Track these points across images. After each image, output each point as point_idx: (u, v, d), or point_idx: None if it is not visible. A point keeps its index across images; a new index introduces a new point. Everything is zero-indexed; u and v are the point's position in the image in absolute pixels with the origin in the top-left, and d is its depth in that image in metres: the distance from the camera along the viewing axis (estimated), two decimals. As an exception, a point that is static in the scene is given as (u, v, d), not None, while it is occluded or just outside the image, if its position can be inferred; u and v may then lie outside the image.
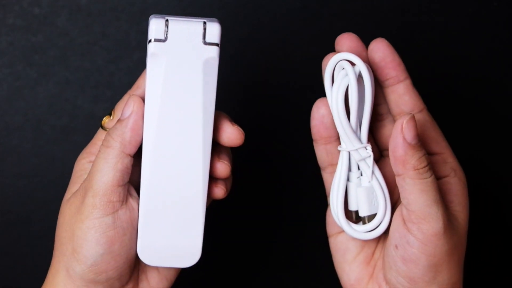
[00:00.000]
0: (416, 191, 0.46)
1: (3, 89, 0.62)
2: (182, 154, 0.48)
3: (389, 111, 0.51)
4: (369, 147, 0.48)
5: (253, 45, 0.64)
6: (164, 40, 0.46)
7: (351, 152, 0.48)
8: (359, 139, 0.48)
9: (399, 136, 0.46)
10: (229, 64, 0.64)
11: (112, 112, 0.51)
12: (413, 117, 0.46)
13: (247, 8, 0.63)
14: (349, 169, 0.49)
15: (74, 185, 0.51)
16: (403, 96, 0.49)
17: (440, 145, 0.50)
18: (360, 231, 0.49)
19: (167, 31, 0.46)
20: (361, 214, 0.49)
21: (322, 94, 0.65)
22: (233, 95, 0.64)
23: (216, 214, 0.63)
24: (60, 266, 0.49)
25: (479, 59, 0.65)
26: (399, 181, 0.47)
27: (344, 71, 0.47)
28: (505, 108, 0.66)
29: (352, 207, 0.50)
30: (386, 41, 0.49)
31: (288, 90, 0.64)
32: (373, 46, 0.49)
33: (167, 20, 0.46)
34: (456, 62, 0.65)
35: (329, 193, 0.51)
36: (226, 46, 0.63)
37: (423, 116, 0.50)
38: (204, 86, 0.47)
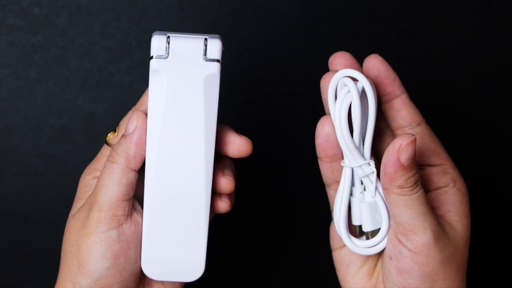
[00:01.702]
0: (401, 206, 0.46)
1: (3, 89, 0.62)
2: (185, 169, 0.49)
3: (388, 126, 0.51)
4: (372, 163, 0.48)
5: (253, 45, 0.64)
6: (166, 57, 0.47)
7: (354, 169, 0.48)
8: (362, 155, 0.48)
9: (394, 155, 0.46)
10: (229, 65, 0.64)
11: (117, 128, 0.51)
12: (414, 140, 0.45)
13: (247, 8, 0.63)
14: (352, 184, 0.49)
15: (79, 201, 0.51)
16: (400, 111, 0.49)
17: (440, 157, 0.50)
18: (361, 246, 0.49)
19: (168, 47, 0.47)
20: (364, 229, 0.49)
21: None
22: (232, 98, 0.64)
23: (219, 227, 0.63)
24: (66, 281, 0.49)
25: (479, 59, 0.65)
26: (385, 194, 0.47)
27: (347, 88, 0.46)
28: (504, 110, 0.66)
29: (356, 221, 0.50)
30: (380, 57, 0.49)
31: (289, 93, 0.64)
32: (367, 63, 0.49)
33: (168, 37, 0.47)
34: (455, 63, 0.65)
35: (333, 208, 0.51)
36: (226, 47, 0.63)
37: (421, 130, 0.50)
38: (206, 102, 0.48)
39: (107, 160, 0.49)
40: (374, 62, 0.48)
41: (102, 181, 0.48)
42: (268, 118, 0.65)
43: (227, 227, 0.65)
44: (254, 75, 0.64)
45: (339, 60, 0.49)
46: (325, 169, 0.50)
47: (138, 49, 0.63)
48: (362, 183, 0.49)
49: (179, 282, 0.52)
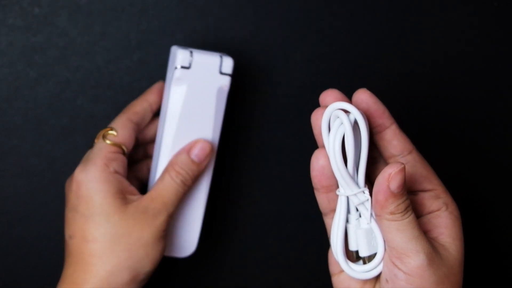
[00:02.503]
0: (393, 231, 0.48)
1: (3, 89, 0.62)
2: None
3: (381, 155, 0.52)
4: (366, 191, 0.49)
5: (253, 45, 0.64)
6: (188, 68, 0.56)
7: (349, 197, 0.49)
8: (357, 183, 0.49)
9: (384, 183, 0.47)
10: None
11: (116, 129, 0.57)
12: (403, 169, 0.47)
13: (247, 8, 0.63)
14: (348, 211, 0.50)
15: (75, 208, 0.56)
16: (391, 141, 0.51)
17: (432, 183, 0.51)
18: (359, 270, 0.50)
19: (191, 60, 0.56)
20: (361, 254, 0.50)
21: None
22: (232, 98, 0.64)
23: (217, 230, 0.63)
24: (122, 269, 0.54)
25: (479, 59, 0.65)
26: (377, 220, 0.49)
27: (340, 120, 0.48)
28: (504, 110, 0.66)
29: (352, 247, 0.51)
30: (368, 92, 0.50)
31: (289, 93, 0.64)
32: (356, 97, 0.50)
33: (191, 52, 0.56)
34: (455, 62, 0.65)
35: (330, 235, 0.52)
36: (226, 46, 0.63)
37: (413, 157, 0.51)
38: (217, 106, 0.57)
39: (183, 179, 0.57)
40: (363, 97, 0.50)
41: (177, 195, 0.57)
42: (267, 118, 0.65)
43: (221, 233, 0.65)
44: (253, 75, 0.64)
45: (329, 98, 0.50)
46: (322, 199, 0.51)
47: (138, 49, 0.63)
48: (357, 210, 0.50)
49: (174, 256, 0.61)
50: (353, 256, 0.51)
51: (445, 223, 0.50)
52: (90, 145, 0.58)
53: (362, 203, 0.49)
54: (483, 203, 0.67)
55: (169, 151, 0.58)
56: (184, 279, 0.66)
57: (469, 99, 0.66)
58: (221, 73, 0.57)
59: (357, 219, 0.50)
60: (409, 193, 0.51)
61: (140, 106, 0.59)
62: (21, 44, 0.62)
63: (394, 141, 0.50)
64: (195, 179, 0.58)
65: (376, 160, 0.53)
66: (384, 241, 0.49)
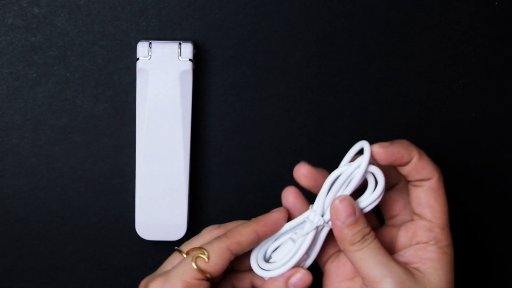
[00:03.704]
0: (358, 261, 0.51)
1: (3, 89, 0.62)
2: (168, 150, 0.60)
3: (396, 183, 0.55)
4: (322, 219, 0.52)
5: (253, 45, 0.64)
6: (149, 58, 0.60)
7: (312, 212, 0.53)
8: (323, 209, 0.52)
9: (334, 218, 0.51)
10: (229, 65, 0.64)
11: (207, 255, 0.51)
12: (343, 199, 0.51)
13: (247, 8, 0.63)
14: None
15: None
16: (412, 172, 0.52)
17: (434, 214, 0.52)
18: (264, 268, 0.54)
19: (150, 51, 0.60)
20: (273, 257, 0.54)
21: (322, 96, 0.65)
22: (232, 98, 0.64)
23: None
24: None
25: (479, 59, 0.65)
26: (345, 255, 0.52)
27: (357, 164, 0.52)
28: (504, 111, 0.66)
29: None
30: (382, 149, 0.52)
31: (289, 93, 0.64)
32: (373, 154, 0.52)
33: (150, 43, 0.60)
34: (455, 63, 0.65)
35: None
36: (226, 46, 0.63)
37: (429, 184, 0.52)
38: (182, 92, 0.60)
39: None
40: (382, 159, 0.51)
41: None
42: (267, 118, 0.65)
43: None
44: (254, 75, 0.64)
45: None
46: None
47: (138, 49, 0.63)
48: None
49: (166, 241, 0.62)
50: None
51: (430, 256, 0.52)
52: (175, 248, 0.54)
53: (312, 221, 0.52)
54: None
55: (144, 138, 0.60)
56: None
57: (467, 100, 0.66)
58: (181, 58, 0.60)
59: (296, 232, 0.53)
60: (410, 216, 0.54)
61: (246, 237, 0.52)
62: (21, 44, 0.62)
63: (414, 172, 0.52)
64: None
65: (396, 188, 0.55)
66: (295, 255, 0.52)
